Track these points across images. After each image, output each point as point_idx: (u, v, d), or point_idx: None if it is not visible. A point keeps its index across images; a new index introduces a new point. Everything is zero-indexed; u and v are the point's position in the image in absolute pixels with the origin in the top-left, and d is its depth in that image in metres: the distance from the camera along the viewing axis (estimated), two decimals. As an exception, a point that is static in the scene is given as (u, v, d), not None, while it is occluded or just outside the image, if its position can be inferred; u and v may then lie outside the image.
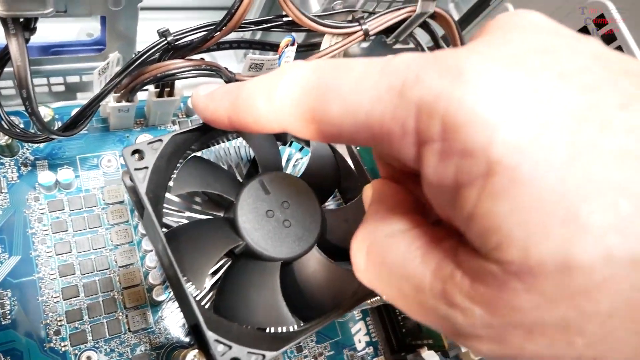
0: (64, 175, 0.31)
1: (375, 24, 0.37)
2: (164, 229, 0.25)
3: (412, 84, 0.12)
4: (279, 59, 0.30)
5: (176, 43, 0.27)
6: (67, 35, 0.33)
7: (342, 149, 0.31)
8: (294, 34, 0.35)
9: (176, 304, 0.33)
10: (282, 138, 0.32)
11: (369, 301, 0.27)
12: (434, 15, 0.38)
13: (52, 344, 0.29)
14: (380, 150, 0.19)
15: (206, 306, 0.26)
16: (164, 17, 0.42)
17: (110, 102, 0.30)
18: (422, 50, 0.41)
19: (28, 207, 0.32)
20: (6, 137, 0.29)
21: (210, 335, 0.20)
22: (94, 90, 0.27)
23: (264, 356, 0.21)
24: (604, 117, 0.11)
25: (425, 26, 0.39)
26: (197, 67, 0.29)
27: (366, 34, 0.36)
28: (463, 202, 0.12)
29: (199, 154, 0.29)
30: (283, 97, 0.16)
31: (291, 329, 0.24)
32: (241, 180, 0.28)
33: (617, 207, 0.10)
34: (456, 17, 0.48)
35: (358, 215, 0.29)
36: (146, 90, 0.33)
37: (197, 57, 0.32)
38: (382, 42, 0.43)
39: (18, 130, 0.27)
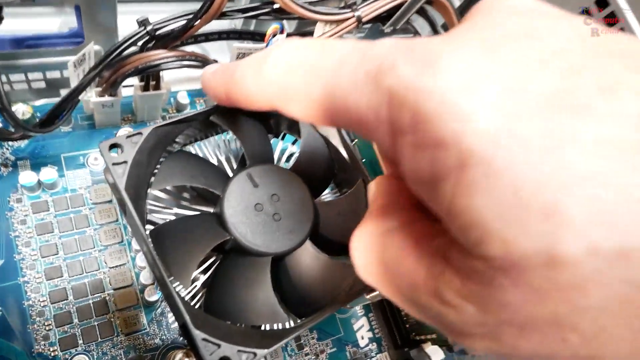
0: (46, 174, 0.30)
1: (368, 10, 0.35)
2: (150, 226, 0.24)
3: (386, 71, 0.12)
4: (266, 47, 0.29)
5: (156, 33, 0.26)
6: (49, 30, 0.31)
7: (336, 141, 0.30)
8: (285, 22, 0.34)
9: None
10: (274, 130, 0.31)
11: (368, 296, 0.26)
12: (431, 1, 0.37)
13: (40, 349, 0.28)
14: (373, 141, 0.19)
15: (197, 305, 0.25)
16: (149, 10, 0.41)
17: (92, 97, 0.29)
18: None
19: (10, 209, 0.30)
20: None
21: (197, 334, 0.19)
22: (70, 83, 0.25)
23: (254, 354, 0.20)
24: (584, 103, 0.10)
25: (423, 13, 0.38)
26: (181, 57, 0.28)
27: (359, 20, 0.35)
28: (441, 195, 0.11)
29: (187, 148, 0.28)
30: (269, 74, 0.16)
31: (287, 325, 0.23)
32: (231, 174, 0.27)
33: (598, 199, 0.09)
34: (457, 3, 0.47)
35: (353, 208, 0.28)
36: (131, 85, 0.32)
37: (188, 49, 0.31)
38: (380, 31, 0.41)
39: (-5, 129, 0.26)
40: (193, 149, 0.29)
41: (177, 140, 0.26)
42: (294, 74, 0.15)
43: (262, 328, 0.24)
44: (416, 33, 0.40)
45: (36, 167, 0.31)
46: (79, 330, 0.29)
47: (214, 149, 0.29)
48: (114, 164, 0.21)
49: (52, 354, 0.29)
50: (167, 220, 0.24)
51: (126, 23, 0.30)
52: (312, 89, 0.14)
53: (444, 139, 0.11)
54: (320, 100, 0.14)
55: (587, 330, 0.10)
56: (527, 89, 0.10)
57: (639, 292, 0.09)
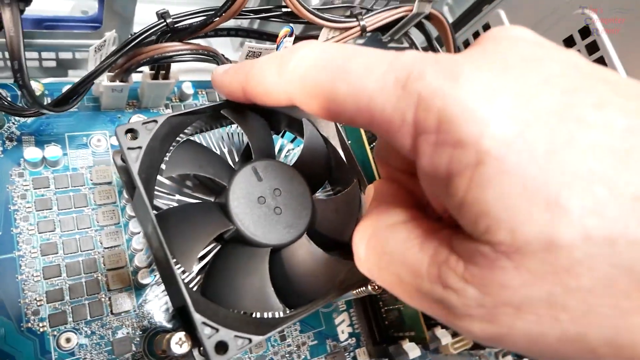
0: (51, 152, 0.30)
1: (372, 21, 0.37)
2: (154, 211, 0.25)
3: (415, 79, 0.14)
4: (277, 48, 0.30)
5: (175, 26, 0.27)
6: (62, 11, 0.32)
7: (334, 141, 0.31)
8: (292, 25, 0.35)
9: (161, 287, 0.33)
10: (275, 127, 0.32)
11: (354, 292, 0.28)
12: (429, 17, 0.39)
13: (29, 324, 0.29)
14: (378, 147, 0.20)
15: (194, 290, 0.26)
16: (163, 1, 0.41)
17: (104, 81, 0.29)
18: (417, 49, 0.42)
19: (11, 182, 0.31)
20: (-8, 109, 0.29)
21: (198, 318, 0.20)
22: (88, 67, 0.26)
23: (250, 340, 0.21)
24: (581, 116, 0.12)
25: (420, 27, 0.40)
26: (195, 51, 0.29)
27: (363, 30, 0.37)
28: (455, 189, 0.13)
29: (192, 138, 0.29)
30: (293, 70, 0.17)
31: (277, 315, 0.24)
32: (233, 167, 0.28)
33: (593, 193, 0.11)
34: (450, 20, 0.50)
35: (347, 207, 0.29)
36: (141, 72, 0.33)
37: (194, 42, 0.32)
38: (378, 40, 0.43)
39: (6, 103, 0.27)
40: (198, 139, 0.30)
41: (185, 130, 0.27)
42: (321, 73, 0.16)
43: (254, 315, 0.25)
44: (412, 44, 0.42)
45: (40, 144, 0.32)
46: (70, 308, 0.30)
47: (217, 140, 0.30)
48: (129, 148, 0.22)
49: (41, 330, 0.29)
50: (172, 206, 0.26)
51: (140, 12, 0.31)
52: (338, 88, 0.15)
53: (465, 139, 0.12)
54: (342, 99, 0.15)
55: (577, 309, 0.12)
56: (534, 102, 0.12)
57: (623, 275, 0.11)
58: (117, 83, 0.30)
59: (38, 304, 0.29)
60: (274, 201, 0.25)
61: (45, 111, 0.25)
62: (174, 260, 0.22)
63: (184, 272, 0.24)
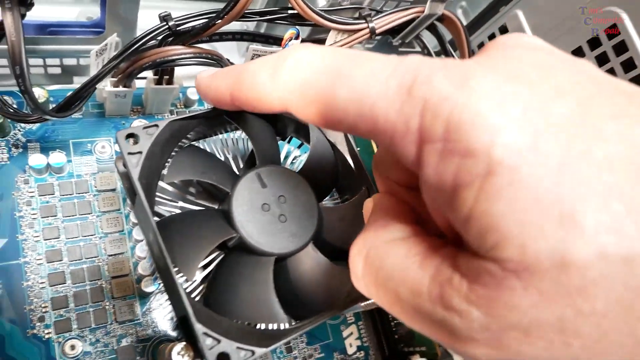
0: (55, 158, 0.30)
1: (382, 23, 0.36)
2: (156, 218, 0.24)
3: (422, 83, 0.13)
4: (282, 51, 0.29)
5: (177, 29, 0.26)
6: (66, 17, 0.32)
7: (342, 147, 0.30)
8: (298, 27, 0.35)
9: (165, 296, 0.32)
10: (281, 133, 0.31)
11: (362, 304, 0.27)
12: (442, 18, 0.38)
13: (35, 331, 0.28)
14: (377, 159, 0.19)
15: (196, 299, 0.25)
16: (166, 6, 0.41)
17: (107, 87, 0.29)
18: (429, 53, 0.40)
19: (17, 189, 0.31)
20: (-2, 116, 0.29)
21: (199, 328, 0.19)
22: (90, 72, 0.26)
23: (253, 352, 0.20)
24: (597, 126, 0.11)
25: (433, 29, 0.39)
26: (198, 54, 0.28)
27: (372, 32, 0.36)
28: (462, 202, 0.12)
29: (195, 144, 0.28)
30: (289, 74, 0.16)
31: (282, 327, 0.24)
32: (238, 173, 0.27)
33: (609, 208, 0.10)
34: (464, 22, 0.48)
35: (355, 215, 0.28)
36: (145, 77, 0.33)
37: (198, 46, 0.31)
38: (388, 43, 0.42)
39: (10, 110, 0.27)
40: (202, 145, 0.29)
41: (187, 135, 0.27)
42: (320, 77, 0.15)
43: (258, 327, 0.25)
44: (424, 47, 0.40)
45: (45, 150, 0.32)
46: (74, 315, 0.30)
47: (221, 146, 0.30)
48: (129, 153, 0.21)
49: (47, 336, 0.29)
50: (174, 213, 0.25)
51: (143, 18, 0.31)
52: (338, 94, 0.14)
53: (475, 148, 0.12)
54: (343, 105, 0.14)
55: (590, 335, 0.11)
56: (548, 111, 0.12)
57: None
58: (121, 88, 0.29)
59: (43, 310, 0.29)
60: (278, 208, 0.24)
61: (48, 117, 0.25)
62: (176, 268, 0.21)
63: (186, 280, 0.24)
